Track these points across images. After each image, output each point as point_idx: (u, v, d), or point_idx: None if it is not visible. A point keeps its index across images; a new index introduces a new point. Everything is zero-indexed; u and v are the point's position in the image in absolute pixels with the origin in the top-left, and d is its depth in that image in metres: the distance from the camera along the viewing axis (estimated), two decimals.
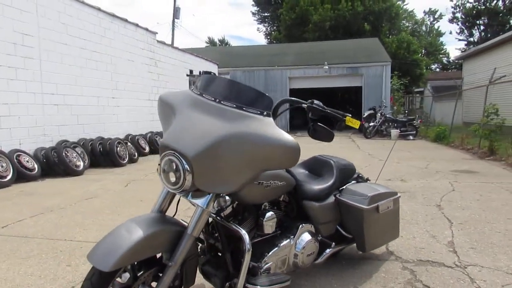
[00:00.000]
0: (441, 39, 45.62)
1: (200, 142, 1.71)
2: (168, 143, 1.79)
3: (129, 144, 8.53)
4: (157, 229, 1.78)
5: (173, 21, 26.17)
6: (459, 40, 43.71)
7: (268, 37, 41.79)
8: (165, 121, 2.07)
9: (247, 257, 1.86)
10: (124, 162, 7.85)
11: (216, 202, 1.95)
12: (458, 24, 42.73)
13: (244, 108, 1.86)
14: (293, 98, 2.08)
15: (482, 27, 41.39)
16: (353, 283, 2.52)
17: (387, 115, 14.78)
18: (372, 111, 15.29)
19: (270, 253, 2.17)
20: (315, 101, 1.97)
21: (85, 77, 8.32)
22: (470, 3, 40.64)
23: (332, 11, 29.33)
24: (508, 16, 39.01)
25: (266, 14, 40.91)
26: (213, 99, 1.94)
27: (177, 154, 1.74)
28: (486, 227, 3.64)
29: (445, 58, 47.12)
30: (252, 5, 40.29)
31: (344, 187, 2.65)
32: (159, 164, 1.85)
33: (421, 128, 15.11)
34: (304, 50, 20.98)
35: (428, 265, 2.79)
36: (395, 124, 14.45)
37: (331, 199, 2.54)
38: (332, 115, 1.95)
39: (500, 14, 38.90)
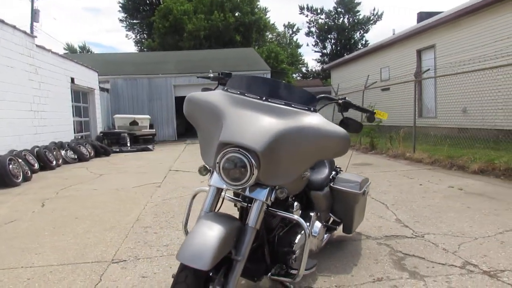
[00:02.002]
0: (300, 50, 50.31)
1: (264, 137, 1.80)
2: (231, 140, 1.82)
3: (20, 160, 7.49)
4: (231, 225, 1.80)
5: (32, 25, 23.51)
6: (315, 51, 48.72)
7: (139, 45, 40.41)
8: (204, 121, 2.08)
9: (308, 242, 2.00)
10: (19, 181, 6.88)
11: (273, 194, 2.02)
12: (313, 38, 47.59)
13: (293, 105, 2.00)
14: (329, 95, 2.28)
15: (333, 41, 46.85)
16: (351, 262, 2.84)
17: None
18: None
19: (296, 240, 2.33)
20: (347, 98, 2.21)
21: None
22: (322, 19, 45.89)
23: (206, 21, 29.97)
24: (352, 32, 45.24)
25: (135, 21, 39.50)
26: (258, 97, 2.03)
27: (242, 150, 1.79)
28: (412, 205, 4.37)
29: (304, 68, 51.90)
30: (119, 11, 38.46)
31: (335, 176, 2.95)
32: (217, 162, 1.86)
33: None
34: (187, 58, 21.02)
35: (395, 239, 3.28)
36: None
37: (327, 187, 2.81)
38: (363, 109, 2.21)
39: (346, 30, 44.79)
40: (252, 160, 1.77)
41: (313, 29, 47.28)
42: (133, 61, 20.92)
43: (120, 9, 38.17)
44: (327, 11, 45.10)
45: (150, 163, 9.56)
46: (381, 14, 44.80)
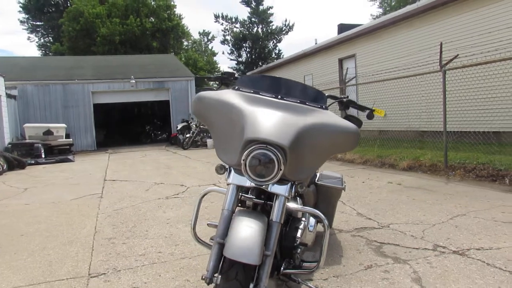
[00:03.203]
0: (215, 58, 50.62)
1: (289, 133, 1.86)
2: (258, 137, 1.84)
3: None
4: (264, 221, 1.83)
5: None
6: (231, 59, 49.30)
7: (43, 49, 37.27)
8: (219, 119, 2.08)
9: (327, 235, 2.08)
10: None
11: (293, 189, 2.07)
12: (229, 46, 48.17)
13: (307, 103, 2.09)
14: (334, 95, 2.39)
15: (248, 49, 47.90)
16: (337, 254, 2.99)
17: (202, 126, 15.71)
18: (185, 123, 15.96)
19: (298, 234, 2.41)
20: (349, 97, 2.35)
21: None
22: (237, 28, 46.76)
23: (121, 26, 28.75)
24: (266, 41, 46.82)
25: (38, 23, 36.38)
26: (273, 96, 2.09)
27: (269, 146, 1.83)
28: (365, 200, 4.70)
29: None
30: (19, 11, 35.14)
31: (316, 174, 3.09)
32: (243, 160, 1.87)
33: None
34: (105, 63, 19.90)
35: (365, 231, 3.52)
36: (209, 134, 15.52)
37: (313, 184, 2.94)
38: (363, 107, 2.37)
39: (260, 39, 46.21)
40: (279, 156, 1.81)
41: (228, 38, 47.92)
42: (44, 65, 19.24)
43: (21, 9, 34.93)
44: (241, 20, 46.00)
45: (78, 174, 8.90)
46: (293, 25, 47.04)
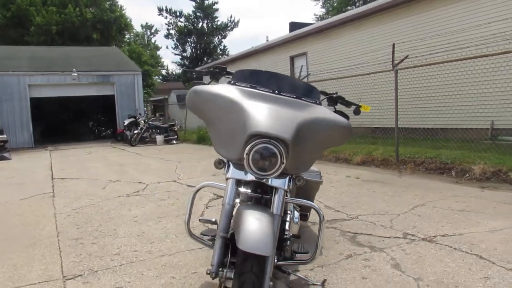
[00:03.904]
0: (159, 52, 49.38)
1: (291, 127, 1.91)
2: (262, 131, 1.86)
3: None
4: (269, 214, 1.85)
5: None
6: (175, 54, 48.37)
7: None
8: (216, 113, 2.07)
9: (323, 226, 2.15)
10: None
11: (291, 182, 2.11)
12: (173, 40, 47.15)
13: (303, 98, 2.14)
14: (324, 90, 2.44)
15: (193, 44, 47.22)
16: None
17: (150, 122, 15.28)
18: (133, 119, 15.42)
19: (287, 227, 2.47)
20: (338, 93, 2.43)
21: None
22: (182, 22, 45.93)
23: (58, 15, 27.05)
24: (211, 37, 46.48)
25: None
26: (270, 91, 2.11)
27: (272, 140, 1.86)
28: (330, 194, 4.87)
29: (164, 70, 51.05)
30: None
31: None
32: (246, 154, 1.88)
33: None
34: (43, 55, 18.55)
35: (337, 222, 3.66)
36: (158, 131, 15.15)
37: None
38: (350, 103, 2.45)
39: (205, 35, 45.77)
40: (282, 149, 1.85)
41: (172, 32, 46.90)
42: None
43: None
44: (186, 14, 45.21)
45: (20, 173, 8.28)
46: (238, 22, 47.06)
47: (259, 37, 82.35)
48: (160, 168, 8.00)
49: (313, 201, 3.16)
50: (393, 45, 6.56)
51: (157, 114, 18.68)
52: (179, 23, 45.77)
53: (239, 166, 1.99)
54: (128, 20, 34.83)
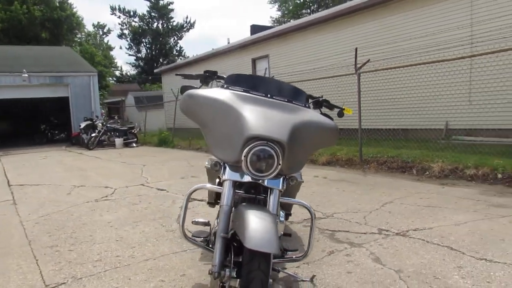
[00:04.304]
0: (112, 53, 47.89)
1: (287, 130, 2.00)
2: (259, 133, 1.93)
3: None
4: (269, 213, 1.92)
5: None
6: (129, 55, 47.12)
7: None
8: (211, 117, 2.12)
9: (314, 224, 2.24)
10: None
11: (285, 182, 2.18)
12: (127, 41, 46.01)
13: (293, 102, 2.23)
14: (310, 94, 2.53)
15: (148, 45, 46.29)
16: (297, 243, 3.20)
17: (109, 125, 14.82)
18: (89, 122, 14.88)
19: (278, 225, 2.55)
20: (324, 97, 2.54)
21: None
22: (136, 22, 44.91)
23: (4, 12, 25.55)
24: (167, 38, 45.81)
25: None
26: (263, 95, 2.18)
27: (270, 143, 1.94)
28: (298, 194, 5.00)
29: (118, 71, 49.62)
30: None
31: None
32: (244, 156, 1.94)
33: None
34: None
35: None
36: (117, 133, 14.73)
37: None
38: (334, 106, 2.57)
39: (161, 35, 45.05)
40: (278, 151, 1.93)
41: (126, 32, 45.74)
42: None
43: None
44: (140, 14, 44.26)
45: None
46: (194, 23, 46.68)
47: (216, 38, 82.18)
48: (125, 172, 7.82)
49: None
50: (356, 49, 6.84)
51: (115, 117, 18.14)
52: (133, 23, 44.75)
53: (235, 168, 2.04)
54: (80, 19, 33.61)
